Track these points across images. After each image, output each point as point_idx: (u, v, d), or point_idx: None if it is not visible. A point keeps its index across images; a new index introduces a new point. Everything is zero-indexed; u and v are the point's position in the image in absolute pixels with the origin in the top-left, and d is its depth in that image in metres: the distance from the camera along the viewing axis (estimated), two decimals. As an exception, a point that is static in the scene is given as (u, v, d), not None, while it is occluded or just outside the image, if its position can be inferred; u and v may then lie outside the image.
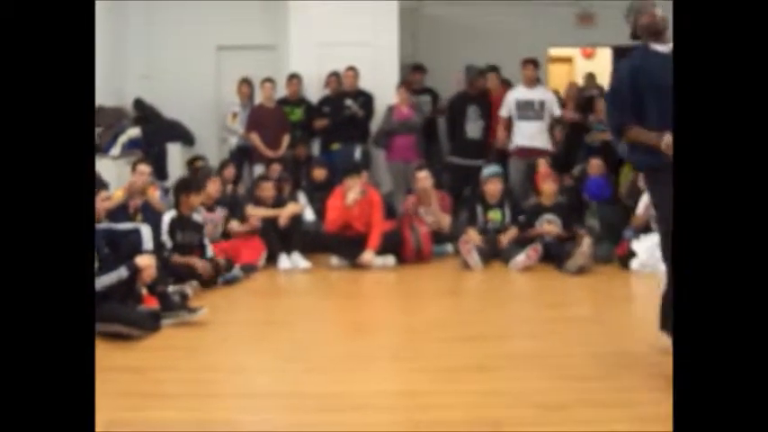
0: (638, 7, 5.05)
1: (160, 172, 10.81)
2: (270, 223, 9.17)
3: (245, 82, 11.74)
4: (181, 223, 7.83)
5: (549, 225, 9.28)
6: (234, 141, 11.60)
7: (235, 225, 9.00)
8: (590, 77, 13.21)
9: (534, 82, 10.76)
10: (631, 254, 8.67)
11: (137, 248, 6.59)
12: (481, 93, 11.16)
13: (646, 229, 8.95)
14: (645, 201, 9.06)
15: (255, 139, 11.11)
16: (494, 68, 11.46)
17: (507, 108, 10.57)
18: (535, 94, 10.56)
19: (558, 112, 10.73)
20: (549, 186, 9.47)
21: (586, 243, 8.63)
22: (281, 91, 11.57)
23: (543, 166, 10.04)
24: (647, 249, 8.55)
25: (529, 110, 10.45)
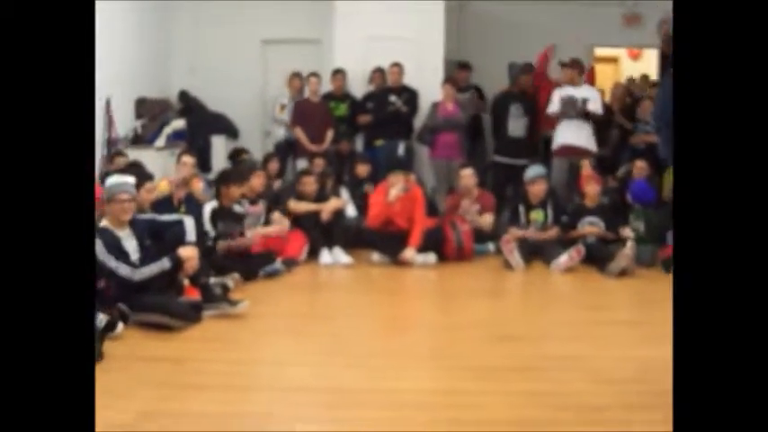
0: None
1: (204, 164, 10.87)
2: (312, 218, 9.19)
3: (296, 76, 11.78)
4: (221, 214, 7.89)
5: (591, 227, 9.22)
6: (281, 133, 11.65)
7: (277, 217, 9.00)
8: (643, 79, 13.07)
9: (579, 81, 10.69)
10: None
11: (180, 240, 6.64)
12: (524, 91, 11.12)
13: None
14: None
15: (299, 133, 11.15)
16: (530, 67, 11.41)
17: (554, 106, 10.51)
18: (579, 93, 10.48)
19: (600, 110, 10.65)
20: (592, 188, 9.40)
21: (629, 246, 8.56)
22: (326, 86, 11.59)
23: (587, 167, 9.98)
24: (691, 253, 8.46)
25: (572, 108, 10.38)
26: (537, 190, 9.42)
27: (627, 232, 9.03)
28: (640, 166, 10.17)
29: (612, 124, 11.54)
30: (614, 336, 6.06)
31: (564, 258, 8.69)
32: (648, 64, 14.65)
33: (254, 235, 8.29)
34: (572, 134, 10.43)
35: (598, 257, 8.70)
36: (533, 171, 9.63)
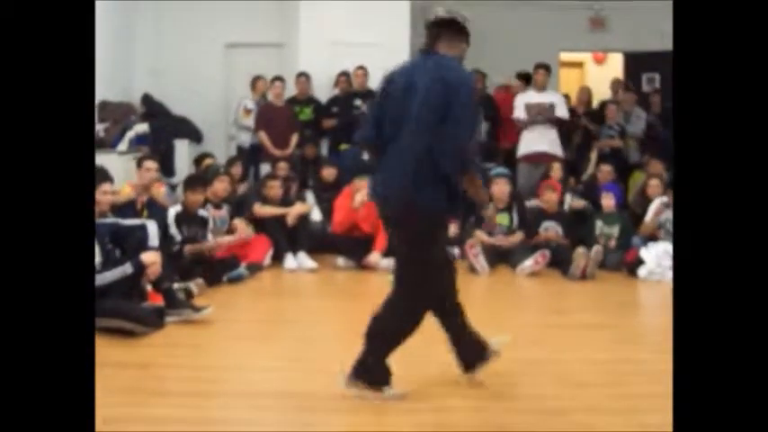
0: None
1: (167, 168, 10.78)
2: (276, 222, 9.14)
3: (260, 79, 11.71)
4: (185, 218, 7.84)
5: (551, 231, 9.27)
6: (246, 138, 11.58)
7: (239, 222, 8.94)
8: (616, 82, 13.11)
9: (545, 86, 10.73)
10: (639, 261, 8.63)
11: (143, 245, 6.57)
12: (484, 96, 11.14)
13: (654, 236, 8.94)
14: (654, 208, 9.04)
15: (263, 137, 11.09)
16: (480, 73, 11.42)
17: (519, 112, 10.52)
18: (545, 98, 10.51)
19: (566, 115, 10.69)
20: (550, 195, 9.43)
21: (594, 249, 8.61)
22: (290, 90, 11.54)
23: (556, 171, 10.02)
24: (656, 257, 8.54)
25: (538, 114, 10.41)
26: (499, 190, 9.40)
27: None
28: (606, 171, 10.23)
29: (576, 128, 11.58)
30: (579, 339, 6.07)
31: (529, 263, 8.72)
32: (613, 68, 14.72)
33: (218, 243, 8.22)
34: (538, 140, 10.47)
35: (561, 261, 8.74)
36: (495, 170, 9.67)
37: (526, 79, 11.31)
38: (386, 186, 4.29)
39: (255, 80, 11.72)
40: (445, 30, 4.43)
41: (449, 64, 4.29)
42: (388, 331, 4.43)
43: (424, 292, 4.42)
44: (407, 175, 4.15)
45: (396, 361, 5.49)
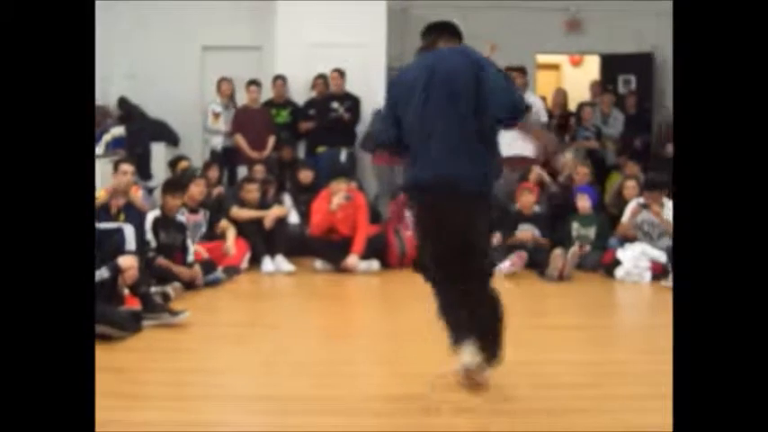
0: None
1: (144, 172, 10.72)
2: (254, 225, 9.11)
3: (225, 81, 11.64)
4: (164, 223, 7.78)
5: (527, 233, 9.29)
6: (218, 142, 11.51)
7: (224, 224, 8.90)
8: (595, 84, 13.16)
9: (522, 89, 10.73)
10: (616, 262, 8.67)
11: (119, 249, 6.54)
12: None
13: (631, 237, 8.97)
14: (630, 209, 9.08)
15: (240, 140, 11.06)
16: None
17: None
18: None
19: (544, 118, 10.71)
20: (526, 198, 9.44)
21: (571, 251, 8.66)
22: (267, 93, 11.51)
23: (534, 174, 10.04)
24: (632, 258, 8.57)
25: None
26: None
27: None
28: (582, 172, 10.25)
29: (552, 130, 11.60)
30: (557, 340, 6.09)
31: (506, 264, 8.73)
32: (590, 70, 14.77)
33: (189, 272, 8.06)
34: (515, 144, 10.47)
35: (538, 263, 8.77)
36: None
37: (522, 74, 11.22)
38: (450, 172, 4.29)
39: (220, 82, 11.66)
40: (443, 32, 4.68)
41: (460, 50, 4.52)
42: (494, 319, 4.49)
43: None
44: (472, 157, 4.29)
45: (371, 361, 5.51)
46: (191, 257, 7.88)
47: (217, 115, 11.48)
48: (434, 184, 4.31)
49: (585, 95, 12.97)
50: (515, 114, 4.28)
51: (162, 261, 7.50)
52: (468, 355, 4.31)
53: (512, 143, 10.47)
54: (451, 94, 4.27)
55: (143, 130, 11.72)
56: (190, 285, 7.60)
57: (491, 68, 4.34)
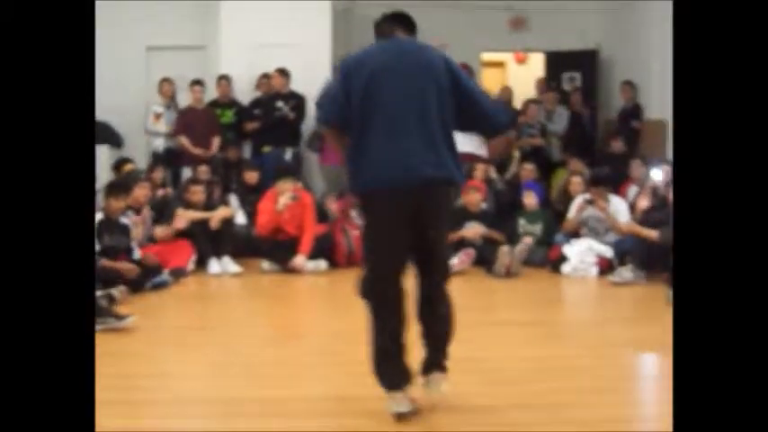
0: None
1: (87, 174, 10.58)
2: (200, 226, 9.04)
3: (166, 81, 11.54)
4: (107, 226, 7.69)
5: (474, 230, 9.32)
6: (159, 143, 11.39)
7: (159, 230, 8.82)
8: (540, 82, 13.24)
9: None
10: (563, 258, 8.73)
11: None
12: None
13: (577, 233, 9.04)
14: (576, 205, 9.15)
15: (185, 141, 10.97)
16: None
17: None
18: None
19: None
20: (473, 195, 9.47)
21: (519, 247, 8.72)
22: (212, 93, 11.43)
23: (480, 171, 10.07)
24: (579, 253, 8.64)
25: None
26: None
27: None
28: (528, 169, 10.31)
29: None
30: (505, 336, 6.12)
31: (454, 261, 8.74)
32: (535, 67, 14.85)
33: (133, 268, 7.97)
34: (461, 141, 10.48)
35: (486, 259, 8.80)
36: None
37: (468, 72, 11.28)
38: (418, 167, 4.07)
39: (162, 83, 11.56)
40: (400, 23, 4.45)
41: (424, 44, 4.36)
42: (452, 317, 4.39)
43: None
44: (438, 151, 4.13)
45: (320, 362, 5.49)
46: (137, 257, 7.82)
47: (158, 116, 11.36)
48: (407, 180, 4.05)
49: (531, 93, 13.05)
50: (508, 126, 4.24)
51: (105, 262, 7.41)
52: (442, 385, 4.32)
53: (464, 141, 10.53)
54: (425, 87, 4.12)
55: (86, 132, 11.56)
56: (136, 287, 7.51)
57: (462, 71, 4.28)
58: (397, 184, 4.06)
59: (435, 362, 4.36)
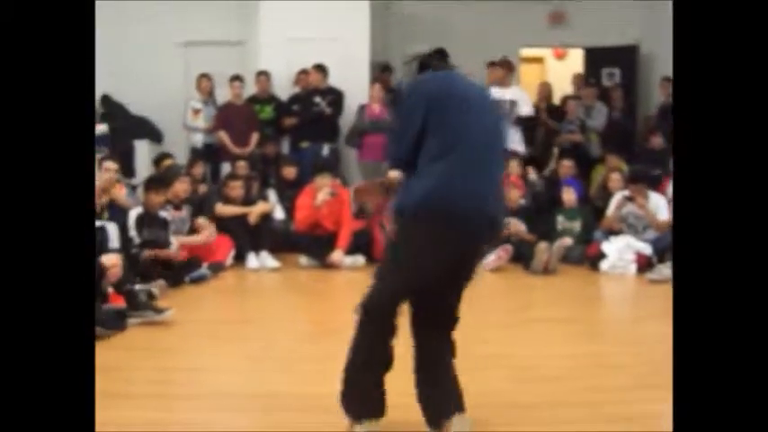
0: None
1: (127, 169, 10.67)
2: (239, 221, 9.09)
3: (205, 77, 11.57)
4: (147, 220, 7.76)
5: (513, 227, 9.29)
6: (198, 139, 11.45)
7: (202, 222, 8.86)
8: (578, 77, 13.14)
9: (506, 82, 10.75)
10: (601, 255, 8.68)
11: (103, 247, 6.51)
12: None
13: (616, 230, 8.99)
14: (615, 202, 9.10)
15: (224, 137, 11.01)
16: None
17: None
18: (506, 94, 10.52)
19: (530, 111, 10.71)
20: (513, 193, 9.43)
21: (556, 244, 8.68)
22: (250, 88, 11.47)
23: (514, 169, 10.04)
24: (617, 251, 8.59)
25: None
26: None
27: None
28: (567, 165, 10.26)
29: (539, 124, 11.63)
30: (543, 333, 6.10)
31: (492, 257, 8.73)
32: (574, 63, 14.76)
33: (179, 243, 8.13)
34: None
35: (524, 256, 8.78)
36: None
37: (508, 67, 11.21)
38: (487, 206, 3.86)
39: (200, 79, 11.58)
40: (445, 60, 4.34)
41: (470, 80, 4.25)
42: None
43: None
44: (496, 192, 3.95)
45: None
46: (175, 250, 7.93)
47: (197, 112, 11.41)
48: (474, 218, 3.81)
49: (569, 89, 12.96)
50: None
51: (148, 253, 7.51)
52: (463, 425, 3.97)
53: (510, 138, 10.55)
54: (496, 122, 4.06)
55: (126, 128, 11.66)
56: (175, 281, 7.57)
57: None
58: (469, 213, 3.81)
59: (455, 403, 4.02)
